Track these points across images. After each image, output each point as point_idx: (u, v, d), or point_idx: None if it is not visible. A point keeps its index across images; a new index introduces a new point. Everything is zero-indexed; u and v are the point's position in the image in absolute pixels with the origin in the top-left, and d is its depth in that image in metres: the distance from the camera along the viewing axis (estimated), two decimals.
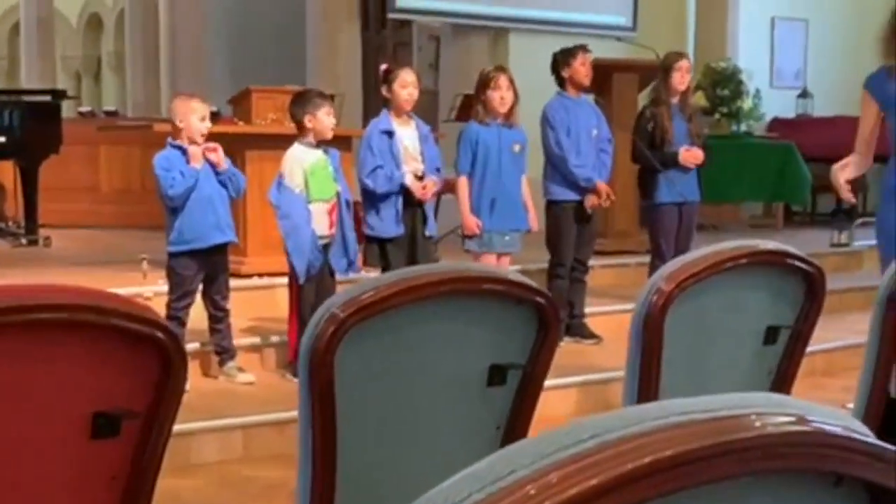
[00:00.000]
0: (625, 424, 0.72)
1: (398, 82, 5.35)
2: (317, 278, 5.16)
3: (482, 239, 5.61)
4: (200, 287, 5.21)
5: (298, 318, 5.13)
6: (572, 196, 6.04)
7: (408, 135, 5.42)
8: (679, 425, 0.73)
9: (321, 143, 5.23)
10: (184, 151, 5.05)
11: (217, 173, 5.14)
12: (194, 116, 5.07)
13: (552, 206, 6.11)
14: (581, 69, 6.07)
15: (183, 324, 5.05)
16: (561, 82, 6.16)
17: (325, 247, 5.22)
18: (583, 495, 0.68)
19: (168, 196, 5.03)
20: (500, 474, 0.69)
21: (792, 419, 0.77)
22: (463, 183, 5.62)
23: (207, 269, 5.16)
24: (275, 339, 5.60)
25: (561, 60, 6.14)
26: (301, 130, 5.22)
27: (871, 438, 0.80)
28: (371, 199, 5.35)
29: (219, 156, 5.12)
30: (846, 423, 0.80)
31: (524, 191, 5.75)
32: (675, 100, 6.23)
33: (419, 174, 5.39)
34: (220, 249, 5.22)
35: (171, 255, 5.14)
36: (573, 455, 0.70)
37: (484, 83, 5.63)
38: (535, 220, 5.79)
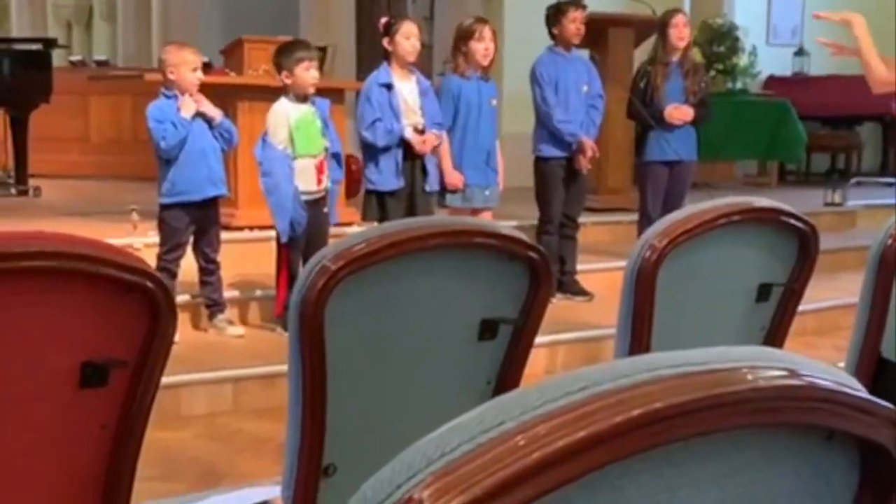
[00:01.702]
0: (615, 376, 0.72)
1: (401, 33, 5.31)
2: (307, 234, 5.14)
3: (463, 194, 5.59)
4: (191, 239, 5.20)
5: (287, 274, 5.13)
6: (560, 153, 6.01)
7: (408, 88, 5.39)
8: (670, 378, 0.73)
9: (307, 97, 5.18)
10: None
11: (211, 127, 5.11)
12: (186, 68, 5.03)
13: (540, 163, 6.08)
14: (570, 27, 6.01)
15: (173, 275, 5.04)
16: (553, 37, 6.11)
17: (315, 202, 5.20)
18: (572, 447, 0.68)
19: (161, 147, 5.00)
20: (489, 425, 0.69)
21: (784, 373, 0.77)
22: (444, 137, 5.59)
23: (198, 221, 5.15)
24: (265, 292, 5.60)
25: (552, 16, 6.09)
26: (284, 84, 5.17)
27: (864, 393, 0.79)
28: (371, 153, 5.33)
29: (207, 106, 5.08)
30: (838, 378, 0.79)
31: (497, 147, 5.73)
32: (675, 57, 6.19)
33: (419, 128, 5.37)
34: (212, 202, 5.21)
35: (163, 207, 5.13)
36: (563, 406, 0.69)
37: (467, 34, 5.56)
38: (503, 177, 5.75)
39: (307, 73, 5.12)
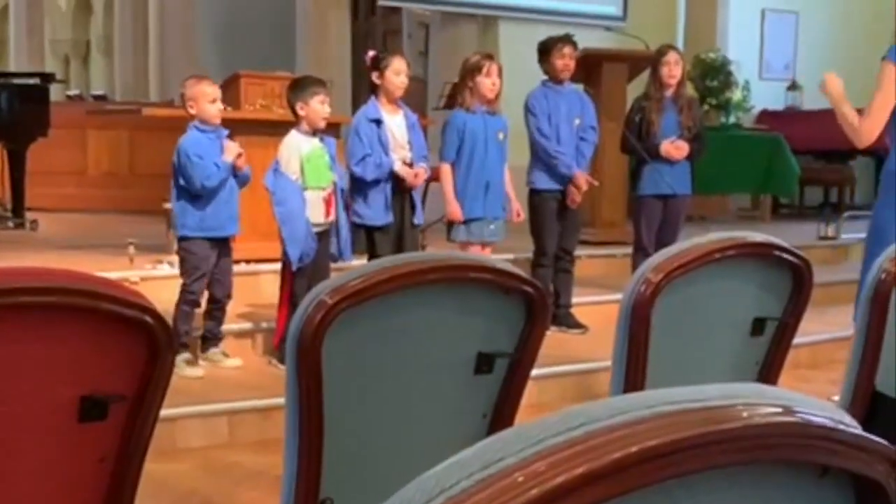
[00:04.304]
0: (614, 413, 0.73)
1: (392, 69, 5.33)
2: (312, 265, 5.16)
3: (468, 228, 5.60)
4: None
5: (289, 305, 5.13)
6: (555, 185, 6.04)
7: (396, 123, 5.41)
8: (667, 415, 0.74)
9: (317, 132, 5.22)
10: (219, 137, 5.06)
11: (235, 175, 5.15)
12: (204, 100, 5.07)
13: (534, 196, 6.11)
14: (557, 63, 6.06)
15: (198, 305, 5.09)
16: (545, 72, 6.17)
17: (322, 234, 5.22)
18: (570, 483, 0.69)
19: (203, 186, 5.00)
20: (489, 461, 0.70)
21: (779, 410, 0.78)
22: (447, 170, 5.60)
23: (217, 254, 5.18)
24: (261, 325, 5.60)
25: (541, 52, 6.15)
26: (296, 117, 5.22)
27: (857, 430, 0.80)
28: (360, 188, 5.34)
29: (243, 160, 5.15)
30: (832, 414, 0.80)
31: (507, 180, 5.76)
32: (669, 92, 6.22)
33: (407, 162, 5.39)
34: (228, 238, 5.26)
35: (187, 239, 5.12)
36: (562, 443, 0.70)
37: (474, 69, 5.59)
38: (515, 210, 5.77)
39: (321, 107, 5.17)
